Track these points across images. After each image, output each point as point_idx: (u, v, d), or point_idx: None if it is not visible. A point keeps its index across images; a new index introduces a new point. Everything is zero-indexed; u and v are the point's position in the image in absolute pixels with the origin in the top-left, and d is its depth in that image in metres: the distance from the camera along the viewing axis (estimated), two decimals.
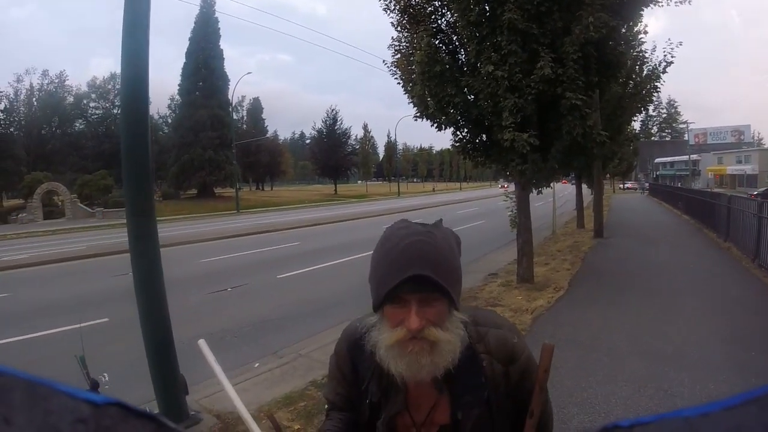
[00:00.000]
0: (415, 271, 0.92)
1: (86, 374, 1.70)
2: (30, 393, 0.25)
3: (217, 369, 1.50)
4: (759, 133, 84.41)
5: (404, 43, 8.75)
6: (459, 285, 1.00)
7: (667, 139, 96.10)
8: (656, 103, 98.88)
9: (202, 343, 1.57)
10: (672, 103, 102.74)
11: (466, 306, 1.13)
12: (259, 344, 6.21)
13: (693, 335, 5.66)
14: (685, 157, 66.87)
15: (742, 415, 0.26)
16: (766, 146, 63.81)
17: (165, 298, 3.53)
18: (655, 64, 12.82)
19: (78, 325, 2.22)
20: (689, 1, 8.16)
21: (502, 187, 59.43)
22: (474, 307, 1.21)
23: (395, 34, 8.84)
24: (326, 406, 1.26)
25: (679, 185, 46.14)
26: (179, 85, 53.03)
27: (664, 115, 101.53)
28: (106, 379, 1.85)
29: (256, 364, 5.33)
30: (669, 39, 12.88)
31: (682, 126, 79.53)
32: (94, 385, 1.67)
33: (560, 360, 5.07)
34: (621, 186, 60.45)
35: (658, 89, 13.09)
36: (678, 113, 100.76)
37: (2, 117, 51.05)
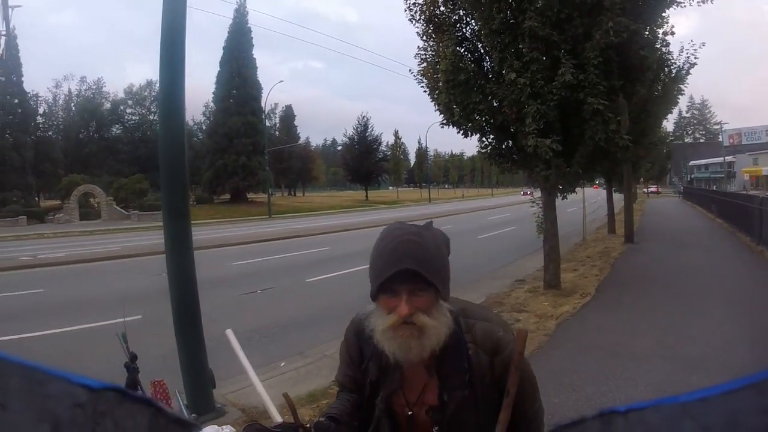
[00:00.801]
0: (404, 266, 1.07)
1: (126, 348, 1.86)
2: (27, 378, 0.25)
3: (242, 356, 1.66)
4: None
5: (430, 52, 8.88)
6: (445, 278, 1.15)
7: (701, 140, 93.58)
8: (689, 104, 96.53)
9: (229, 332, 1.73)
10: (705, 103, 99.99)
11: (460, 299, 1.29)
12: (285, 344, 6.42)
13: (718, 340, 5.61)
14: (719, 159, 64.92)
15: (739, 400, 0.26)
16: None
17: (197, 296, 3.74)
18: (680, 66, 12.62)
19: (121, 319, 2.42)
20: (711, 0, 8.01)
21: (525, 194, 58.19)
22: (467, 301, 1.34)
23: (421, 43, 8.99)
24: (337, 389, 1.41)
25: (714, 188, 44.82)
26: (213, 93, 54.24)
27: (698, 117, 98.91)
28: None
29: (282, 363, 5.53)
30: (692, 40, 12.58)
31: (716, 127, 77.22)
32: (133, 358, 1.84)
33: (581, 365, 5.11)
34: (645, 191, 58.43)
35: (683, 92, 12.85)
36: (711, 114, 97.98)
37: (42, 121, 53.28)
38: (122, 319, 2.42)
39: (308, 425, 1.19)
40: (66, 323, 7.56)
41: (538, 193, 8.82)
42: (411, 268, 1.07)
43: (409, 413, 1.25)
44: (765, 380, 0.26)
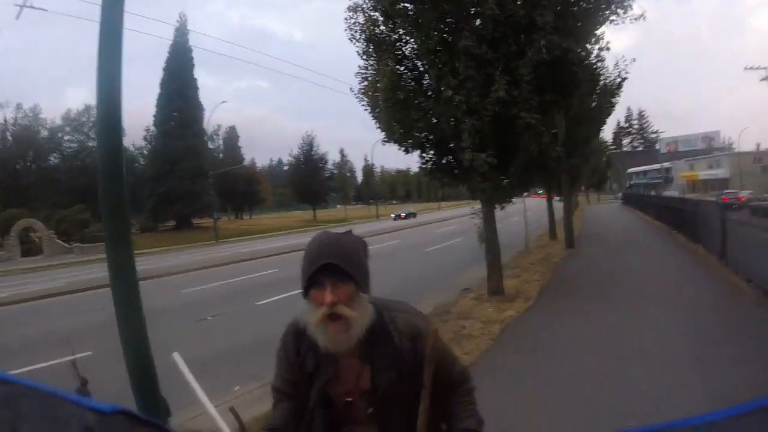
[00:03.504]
0: (325, 260, 1.28)
1: (77, 373, 1.88)
2: (38, 401, 0.26)
3: (190, 378, 1.73)
4: (729, 138, 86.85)
5: (371, 71, 9.08)
6: (364, 273, 1.35)
7: (639, 149, 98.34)
8: (627, 114, 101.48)
9: (176, 356, 1.79)
10: (642, 114, 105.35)
11: (381, 298, 1.47)
12: (238, 369, 6.35)
13: (654, 334, 5.96)
14: (657, 166, 68.40)
15: (749, 423, 0.26)
16: (735, 150, 65.69)
17: (145, 324, 3.69)
18: (612, 81, 13.30)
19: (69, 358, 2.42)
20: (644, 18, 8.42)
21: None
22: (386, 298, 1.50)
23: (362, 62, 9.19)
24: (273, 400, 1.51)
25: (652, 193, 47.18)
26: (154, 116, 53.05)
27: (636, 127, 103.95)
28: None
29: (236, 388, 5.50)
30: (623, 56, 13.36)
31: (653, 136, 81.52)
32: (84, 383, 1.86)
33: (525, 365, 5.34)
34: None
35: (614, 104, 13.55)
36: (648, 124, 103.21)
37: None
38: (71, 357, 2.42)
39: None
40: (13, 366, 7.17)
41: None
42: (332, 261, 1.27)
43: (348, 400, 1.40)
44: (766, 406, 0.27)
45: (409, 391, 1.38)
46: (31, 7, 10.51)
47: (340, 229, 1.47)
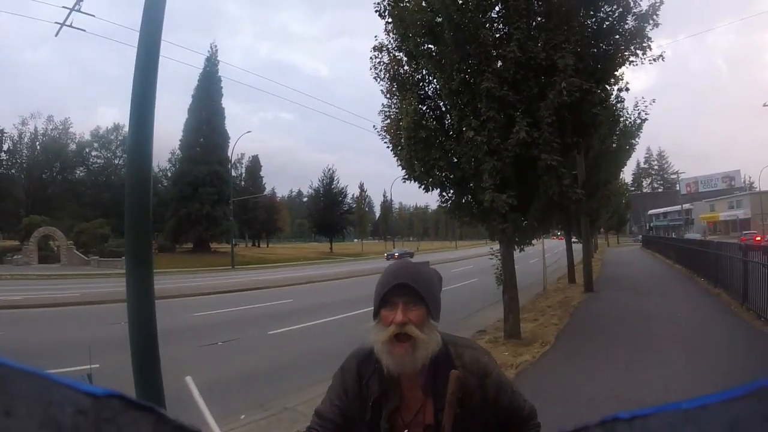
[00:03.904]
0: (400, 281, 1.32)
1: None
2: (31, 385, 0.25)
3: (201, 404, 1.74)
4: (749, 177, 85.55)
5: (393, 109, 9.23)
6: (436, 301, 1.38)
7: (659, 190, 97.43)
8: (647, 155, 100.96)
9: (189, 380, 1.81)
10: (662, 154, 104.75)
11: (448, 333, 1.49)
12: (246, 396, 6.32)
13: (676, 382, 5.78)
14: (677, 207, 67.54)
15: (741, 406, 0.26)
16: (756, 190, 64.53)
17: (157, 346, 3.72)
18: (632, 121, 13.25)
19: (80, 367, 2.44)
20: (663, 58, 8.33)
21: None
22: (453, 335, 1.52)
23: (385, 101, 9.34)
24: (310, 424, 1.42)
25: (673, 235, 46.41)
26: (180, 140, 54.20)
27: (656, 167, 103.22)
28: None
29: (242, 416, 5.45)
30: (643, 97, 13.36)
31: (673, 176, 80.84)
32: None
33: (540, 412, 5.19)
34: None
35: (635, 145, 13.46)
36: (668, 164, 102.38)
37: (5, 158, 51.87)
38: (82, 367, 2.44)
39: None
40: None
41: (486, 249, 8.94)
42: (406, 282, 1.32)
43: None
44: (765, 387, 0.27)
45: (473, 429, 1.37)
46: (70, 26, 11.00)
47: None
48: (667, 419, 0.28)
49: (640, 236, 62.58)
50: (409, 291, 1.31)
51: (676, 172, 71.93)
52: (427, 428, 1.38)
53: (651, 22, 7.56)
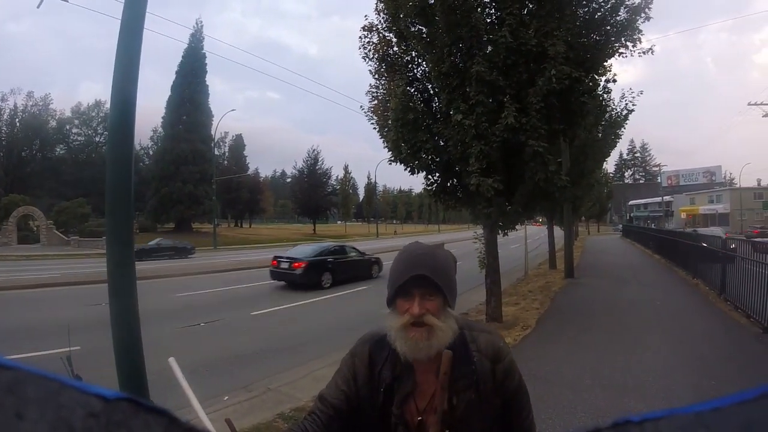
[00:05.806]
0: (418, 272, 1.26)
1: (71, 371, 1.84)
2: (42, 388, 0.25)
3: (185, 385, 1.71)
4: (730, 173, 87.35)
5: (381, 90, 9.16)
6: (453, 289, 1.33)
7: (641, 182, 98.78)
8: (630, 147, 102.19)
9: (172, 361, 1.77)
10: (645, 146, 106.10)
11: (464, 317, 1.47)
12: (229, 378, 6.30)
13: (655, 367, 5.92)
14: (658, 199, 68.59)
15: (754, 409, 0.26)
16: (736, 186, 65.86)
17: (139, 327, 3.67)
18: (618, 112, 13.37)
19: (59, 350, 2.39)
20: (652, 51, 8.39)
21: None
22: (470, 318, 1.49)
23: (373, 81, 9.26)
24: (311, 409, 1.35)
25: (653, 226, 47.08)
26: (163, 117, 53.34)
27: (638, 159, 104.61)
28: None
29: (226, 398, 5.43)
30: (630, 89, 13.37)
31: (655, 168, 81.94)
32: (77, 379, 1.81)
33: None
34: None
35: (620, 136, 13.59)
36: (651, 156, 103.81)
37: None
38: (61, 350, 2.39)
39: None
40: (2, 352, 7.14)
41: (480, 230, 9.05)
42: (423, 273, 1.26)
43: (419, 419, 1.35)
44: None
45: (486, 413, 1.36)
46: None
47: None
48: (679, 422, 0.28)
49: (620, 226, 63.38)
50: (426, 282, 1.26)
51: (658, 165, 73.15)
52: (441, 413, 1.34)
53: (643, 15, 7.61)
